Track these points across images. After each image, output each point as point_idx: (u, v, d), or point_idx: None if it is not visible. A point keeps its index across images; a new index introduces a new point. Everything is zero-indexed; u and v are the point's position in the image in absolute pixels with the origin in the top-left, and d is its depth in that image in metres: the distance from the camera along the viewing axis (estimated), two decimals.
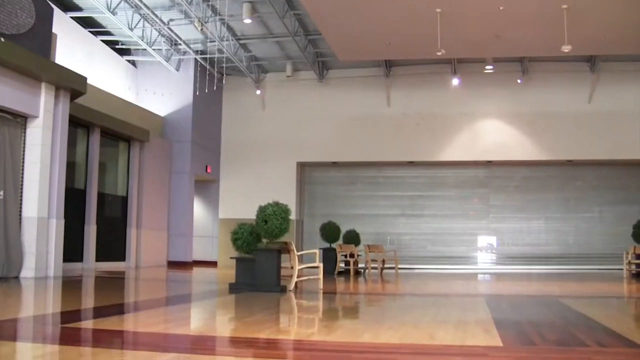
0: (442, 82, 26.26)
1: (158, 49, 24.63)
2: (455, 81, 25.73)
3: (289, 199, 22.35)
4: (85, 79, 17.38)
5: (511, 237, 27.21)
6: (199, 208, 27.87)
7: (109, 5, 21.22)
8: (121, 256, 22.62)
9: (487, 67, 24.93)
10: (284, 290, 12.93)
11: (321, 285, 14.03)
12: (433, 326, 7.77)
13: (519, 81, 25.62)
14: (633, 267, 20.41)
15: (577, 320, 8.81)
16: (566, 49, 18.39)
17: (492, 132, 26.21)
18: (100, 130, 20.98)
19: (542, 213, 26.92)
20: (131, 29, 22.61)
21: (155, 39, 24.19)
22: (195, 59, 25.65)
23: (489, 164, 26.89)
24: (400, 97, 26.84)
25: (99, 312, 9.24)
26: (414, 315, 9.34)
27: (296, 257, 13.64)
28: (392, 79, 26.83)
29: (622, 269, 21.04)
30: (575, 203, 26.68)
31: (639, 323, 9.40)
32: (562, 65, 25.23)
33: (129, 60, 25.73)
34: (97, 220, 20.70)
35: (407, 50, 22.50)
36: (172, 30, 23.52)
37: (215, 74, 26.02)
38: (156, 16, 22.32)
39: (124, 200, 23.01)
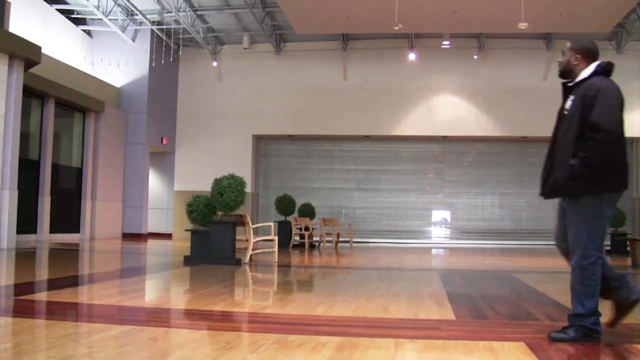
0: (399, 56, 26.29)
1: (114, 19, 24.32)
2: (412, 56, 25.77)
3: (245, 172, 22.37)
4: (39, 48, 17.13)
5: (465, 212, 27.48)
6: (154, 180, 27.70)
7: None
8: (75, 228, 22.46)
9: (444, 42, 24.99)
10: (238, 262, 12.95)
11: (276, 258, 14.09)
12: (387, 299, 7.84)
13: (475, 57, 25.77)
14: None
15: (529, 295, 8.95)
16: (522, 26, 18.52)
17: (448, 107, 26.35)
18: (54, 101, 20.72)
19: (496, 188, 27.20)
20: None
21: (111, 9, 23.88)
22: (152, 29, 25.34)
23: (444, 139, 27.05)
24: (357, 70, 26.85)
25: (53, 284, 9.18)
26: (367, 288, 9.41)
27: (251, 230, 13.67)
28: (349, 53, 26.82)
29: None
30: (529, 179, 26.91)
31: None
32: (518, 42, 25.43)
33: (84, 30, 25.35)
34: (51, 192, 20.50)
35: (365, 24, 22.49)
36: (128, 0, 23.23)
37: (172, 45, 25.81)
38: None
39: (79, 172, 22.79)
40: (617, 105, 5.15)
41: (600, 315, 5.22)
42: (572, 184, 5.21)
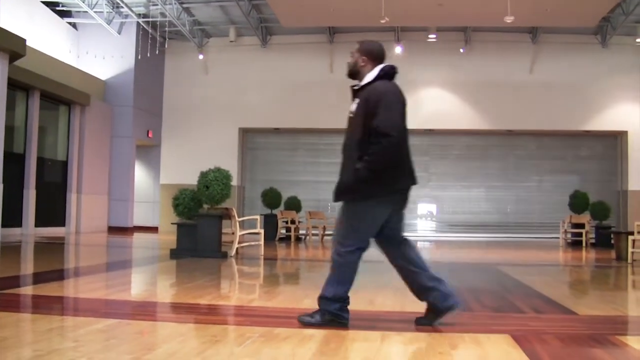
0: (385, 49, 26.19)
1: (99, 12, 24.15)
2: (398, 49, 25.69)
3: (231, 165, 22.30)
4: (24, 40, 17.04)
5: (451, 205, 27.49)
6: (140, 173, 27.61)
7: None
8: (61, 221, 22.35)
9: (430, 36, 25.00)
10: (225, 256, 12.96)
11: (262, 251, 14.09)
12: (373, 292, 7.86)
13: (461, 50, 25.79)
14: (569, 235, 20.91)
15: (515, 287, 9.00)
16: (509, 19, 18.57)
17: (433, 100, 26.31)
18: (40, 94, 20.58)
19: (482, 181, 27.20)
20: None
21: (97, 1, 23.71)
22: (138, 22, 25.21)
23: (430, 132, 27.00)
24: (343, 64, 26.02)
25: (39, 277, 9.16)
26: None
27: (237, 223, 13.67)
28: (335, 46, 26.77)
29: (558, 238, 21.49)
30: (515, 172, 27.00)
31: (572, 290, 9.64)
32: (504, 35, 25.45)
33: (69, 23, 25.19)
34: (36, 185, 20.37)
35: (351, 17, 22.49)
36: None
37: (158, 38, 25.72)
38: None
39: (64, 165, 22.68)
40: (399, 108, 5.34)
41: (347, 303, 5.51)
42: (358, 187, 5.31)
